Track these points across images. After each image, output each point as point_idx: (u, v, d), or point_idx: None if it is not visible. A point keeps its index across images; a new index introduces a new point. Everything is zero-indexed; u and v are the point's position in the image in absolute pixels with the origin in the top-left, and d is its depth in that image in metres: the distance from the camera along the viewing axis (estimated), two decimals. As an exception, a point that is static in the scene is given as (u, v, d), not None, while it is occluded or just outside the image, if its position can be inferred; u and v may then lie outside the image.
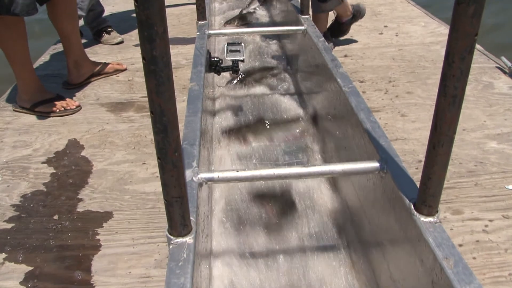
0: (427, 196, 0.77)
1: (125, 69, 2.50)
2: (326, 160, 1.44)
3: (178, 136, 0.67)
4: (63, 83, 2.37)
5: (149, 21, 0.56)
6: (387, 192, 0.92)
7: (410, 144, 1.71)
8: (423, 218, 0.79)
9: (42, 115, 2.10)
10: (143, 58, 0.59)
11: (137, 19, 0.57)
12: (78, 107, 2.14)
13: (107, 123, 2.02)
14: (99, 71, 2.41)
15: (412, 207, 0.81)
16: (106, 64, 2.44)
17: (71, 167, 1.71)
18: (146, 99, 2.23)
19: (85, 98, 2.26)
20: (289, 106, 1.85)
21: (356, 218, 1.15)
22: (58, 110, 2.09)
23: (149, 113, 2.21)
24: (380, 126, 1.06)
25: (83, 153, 1.80)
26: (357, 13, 2.62)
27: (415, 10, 3.25)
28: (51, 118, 2.08)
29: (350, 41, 2.74)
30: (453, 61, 0.62)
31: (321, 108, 1.55)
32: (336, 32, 2.65)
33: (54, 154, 1.81)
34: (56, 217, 1.46)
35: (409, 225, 0.81)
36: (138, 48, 2.83)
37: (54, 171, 1.70)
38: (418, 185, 0.80)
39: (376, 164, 0.93)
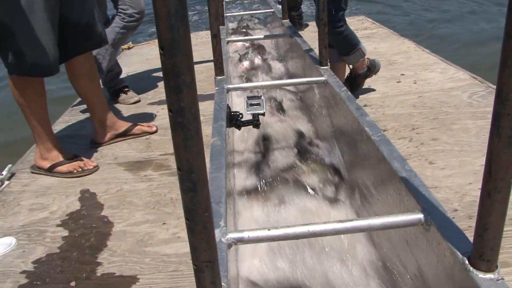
0: (484, 249, 0.70)
1: (155, 131, 2.47)
2: (360, 214, 1.37)
3: (208, 195, 0.62)
4: (90, 141, 2.40)
5: (176, 69, 0.53)
6: (433, 245, 0.85)
7: (442, 193, 1.64)
8: (481, 275, 0.71)
9: (60, 176, 2.09)
10: (169, 110, 0.56)
11: (163, 68, 0.54)
12: (96, 167, 2.12)
13: (125, 183, 1.99)
14: (126, 131, 2.41)
15: (467, 262, 0.73)
16: (134, 125, 2.45)
17: (89, 229, 1.67)
18: (165, 157, 2.26)
19: (102, 158, 2.26)
20: (316, 157, 1.80)
21: (397, 276, 1.06)
22: (75, 171, 2.08)
23: (168, 171, 2.17)
24: (417, 175, 1.00)
25: (101, 214, 1.76)
26: (372, 67, 2.64)
27: (430, 57, 3.27)
28: (68, 179, 2.07)
29: (369, 91, 2.74)
30: (507, 99, 0.57)
31: (350, 159, 1.50)
32: (352, 85, 2.67)
33: (71, 216, 1.77)
34: (73, 283, 1.39)
35: (465, 283, 0.73)
36: (155, 106, 2.86)
37: (71, 234, 1.65)
38: (468, 237, 0.73)
39: (418, 216, 0.86)
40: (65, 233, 1.66)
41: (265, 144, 1.98)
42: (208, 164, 1.19)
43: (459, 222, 1.43)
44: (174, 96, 0.54)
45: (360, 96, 2.66)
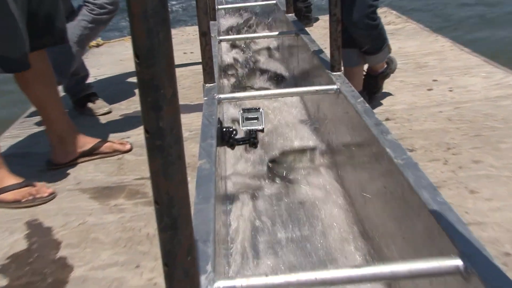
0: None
1: (129, 150, 2.48)
2: (381, 257, 1.37)
3: (192, 233, 0.63)
4: (46, 162, 2.39)
5: (154, 82, 0.55)
6: (474, 301, 0.85)
7: (489, 231, 1.63)
8: None
9: (4, 207, 2.08)
10: (146, 130, 0.57)
11: (138, 80, 0.55)
12: (52, 195, 2.12)
13: (89, 214, 1.99)
14: (93, 149, 2.42)
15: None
16: (103, 142, 2.45)
17: (38, 276, 1.65)
18: (140, 182, 2.27)
19: (61, 182, 2.26)
20: (325, 186, 1.81)
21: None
22: (24, 200, 2.07)
23: (144, 200, 2.17)
24: (453, 208, 1.01)
25: (56, 256, 1.75)
26: (390, 62, 2.71)
27: (471, 58, 3.30)
28: (15, 211, 2.06)
29: (392, 101, 2.77)
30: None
31: (367, 187, 1.50)
32: (373, 89, 2.70)
33: (16, 259, 1.75)
34: None
35: None
36: (129, 119, 2.88)
37: (14, 282, 1.63)
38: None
39: (455, 262, 0.87)
40: (5, 281, 1.64)
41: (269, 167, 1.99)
42: (193, 193, 1.20)
43: None
44: (152, 114, 0.55)
45: (381, 108, 2.69)
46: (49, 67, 2.23)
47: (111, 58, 4.28)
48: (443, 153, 2.16)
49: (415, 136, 2.33)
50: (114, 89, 3.42)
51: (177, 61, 3.86)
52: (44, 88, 2.23)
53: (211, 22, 3.00)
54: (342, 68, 1.95)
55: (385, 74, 2.69)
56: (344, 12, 2.00)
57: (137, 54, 0.53)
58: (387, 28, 4.17)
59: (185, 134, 2.61)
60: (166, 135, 0.56)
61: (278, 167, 2.00)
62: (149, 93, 0.54)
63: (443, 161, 2.10)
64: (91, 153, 2.42)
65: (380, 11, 4.76)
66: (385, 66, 2.68)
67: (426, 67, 3.23)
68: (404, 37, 3.94)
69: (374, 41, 2.53)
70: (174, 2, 10.08)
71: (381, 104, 2.73)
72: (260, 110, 1.71)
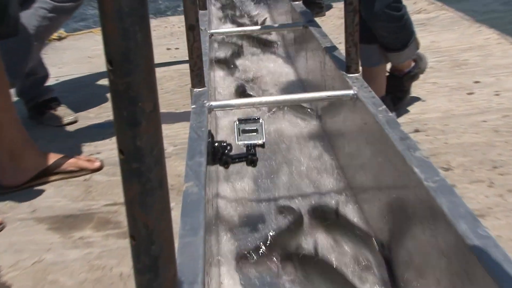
0: None
1: (99, 168, 2.49)
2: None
3: (176, 276, 0.64)
4: None
5: (130, 93, 0.56)
6: None
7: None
8: None
9: None
10: (120, 151, 0.59)
11: (112, 90, 0.57)
12: (0, 226, 2.12)
13: (47, 250, 1.99)
14: (53, 168, 2.42)
15: None
16: (66, 158, 2.46)
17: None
18: (113, 208, 2.27)
19: (12, 210, 2.26)
20: (341, 214, 1.81)
21: None
22: (-37, 234, 2.08)
23: (117, 231, 2.18)
24: (498, 244, 1.02)
25: (5, 303, 1.76)
26: (419, 61, 2.74)
27: (523, 54, 3.33)
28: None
29: (422, 107, 2.79)
30: None
31: (391, 216, 1.51)
32: (398, 93, 2.73)
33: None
34: None
35: None
36: (100, 130, 2.90)
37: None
38: None
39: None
40: None
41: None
42: (178, 222, 1.21)
43: None
44: (128, 131, 0.57)
45: (409, 116, 2.71)
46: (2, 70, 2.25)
47: (77, 54, 4.31)
48: (488, 172, 2.17)
49: (452, 151, 2.34)
50: (81, 93, 3.45)
51: (158, 59, 3.96)
52: None
53: (201, 12, 3.03)
54: (360, 68, 1.97)
55: (413, 75, 2.72)
56: (361, 1, 2.03)
57: (109, 60, 0.55)
58: (417, 17, 4.27)
59: (169, 149, 2.62)
60: (144, 157, 0.58)
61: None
62: (125, 106, 0.56)
63: (487, 183, 2.11)
64: (51, 172, 2.42)
65: (409, -4, 4.83)
66: (413, 64, 2.71)
67: (466, 66, 3.26)
68: (439, 28, 3.98)
69: (398, 35, 2.55)
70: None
71: (408, 111, 2.74)
72: (260, 120, 1.72)
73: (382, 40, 2.55)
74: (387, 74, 2.74)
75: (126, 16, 0.53)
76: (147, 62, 0.55)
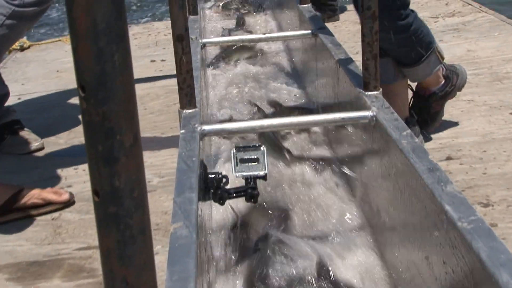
0: None
1: (69, 202, 2.50)
2: None
3: None
4: None
5: (106, 124, 0.56)
6: None
7: None
8: None
9: None
10: (95, 192, 0.59)
11: (84, 120, 0.57)
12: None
13: (7, 305, 1.99)
14: (13, 203, 2.42)
15: None
16: (26, 190, 2.45)
17: None
18: (87, 253, 2.26)
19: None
20: (361, 266, 1.81)
21: None
22: None
23: (92, 280, 2.17)
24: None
25: None
26: (452, 77, 2.72)
27: None
28: None
29: (455, 130, 2.79)
30: None
31: (418, 265, 1.51)
32: (425, 116, 2.73)
33: None
34: None
35: None
36: (71, 159, 2.89)
37: None
38: None
39: None
40: None
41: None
42: (164, 269, 1.20)
43: None
44: (104, 169, 0.57)
45: (439, 140, 2.70)
46: None
47: (43, 68, 4.32)
48: (536, 209, 2.18)
49: (492, 183, 2.34)
50: (49, 114, 3.45)
51: (141, 73, 4.00)
52: None
53: (191, 18, 3.05)
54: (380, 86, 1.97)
55: (443, 95, 2.70)
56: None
57: (82, 85, 0.55)
58: (450, 21, 4.30)
59: (154, 181, 2.63)
60: (123, 199, 0.58)
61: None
62: (100, 139, 0.56)
63: (535, 222, 2.11)
64: (10, 208, 2.42)
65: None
66: (442, 82, 2.70)
67: (509, 80, 3.27)
68: (476, 34, 3.99)
69: (408, 48, 2.55)
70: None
71: (439, 135, 2.74)
72: (262, 148, 1.73)
73: (391, 53, 2.57)
74: (413, 91, 2.76)
75: (102, 34, 0.54)
76: (127, 88, 0.56)
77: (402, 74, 2.65)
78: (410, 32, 2.52)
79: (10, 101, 3.17)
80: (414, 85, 2.79)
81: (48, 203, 2.46)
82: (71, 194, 2.51)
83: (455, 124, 2.83)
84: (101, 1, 0.53)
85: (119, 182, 0.57)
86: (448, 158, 2.55)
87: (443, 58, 2.66)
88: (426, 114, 2.72)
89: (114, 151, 0.57)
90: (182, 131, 1.80)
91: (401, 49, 2.57)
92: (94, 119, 0.56)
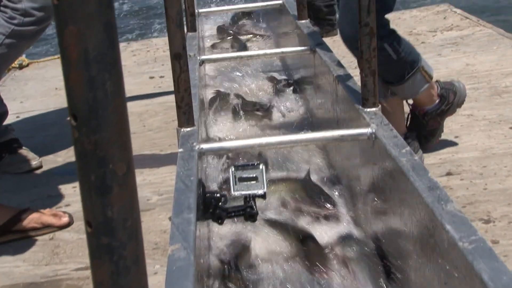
0: None
1: (67, 224, 2.49)
2: None
3: None
4: None
5: (99, 153, 0.56)
6: None
7: None
8: None
9: None
10: (87, 223, 0.59)
11: (76, 150, 0.57)
12: None
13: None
14: (12, 225, 2.42)
15: None
16: (27, 213, 2.45)
17: None
18: (84, 273, 2.25)
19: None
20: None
21: None
22: None
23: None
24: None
25: None
26: (448, 95, 2.70)
27: None
28: None
29: (455, 145, 2.79)
30: None
31: (417, 285, 1.49)
32: (421, 134, 2.72)
33: None
34: None
35: None
36: (70, 178, 2.88)
37: None
38: None
39: None
40: None
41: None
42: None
43: None
44: (97, 199, 0.56)
45: (439, 156, 2.70)
46: None
47: (41, 86, 4.33)
48: (538, 225, 2.17)
49: (493, 199, 2.34)
50: (47, 132, 3.46)
51: (140, 89, 4.01)
52: None
53: (190, 34, 3.05)
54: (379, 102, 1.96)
55: (439, 112, 2.70)
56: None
57: (73, 114, 0.55)
58: (448, 35, 4.30)
59: (153, 199, 2.63)
60: (117, 230, 0.57)
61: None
62: (92, 169, 0.55)
63: (537, 239, 2.10)
64: (9, 230, 2.41)
65: (438, 10, 4.87)
66: (437, 101, 2.69)
67: (508, 94, 3.27)
68: (474, 48, 4.00)
69: (388, 66, 2.53)
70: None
71: (438, 150, 2.74)
72: (260, 167, 1.73)
73: None
74: (410, 109, 2.76)
75: (93, 62, 0.53)
76: (119, 116, 0.55)
77: (392, 92, 2.65)
78: (387, 50, 2.50)
79: (8, 119, 3.17)
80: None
81: (47, 226, 2.46)
82: (70, 217, 2.51)
83: (454, 139, 2.83)
84: (93, 28, 0.53)
85: (112, 212, 0.57)
86: (448, 174, 2.55)
87: (431, 77, 2.63)
88: (423, 131, 2.72)
89: (107, 181, 0.56)
90: (180, 150, 1.79)
91: (381, 67, 2.52)
92: (86, 148, 0.55)
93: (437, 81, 2.74)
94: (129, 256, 0.58)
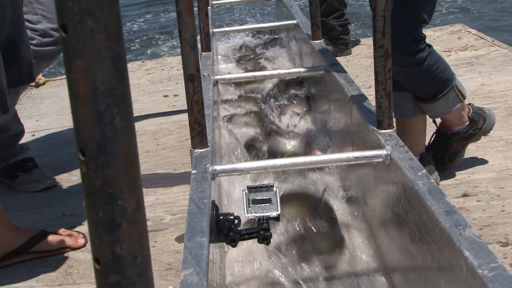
0: None
1: (83, 246, 2.49)
2: None
3: None
4: None
5: (108, 189, 0.55)
6: None
7: None
8: None
9: None
10: (96, 260, 0.58)
11: (84, 185, 0.56)
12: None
13: None
14: (28, 247, 2.41)
15: None
16: (43, 235, 2.44)
17: None
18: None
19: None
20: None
21: None
22: None
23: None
24: None
25: None
26: (478, 120, 2.69)
27: None
28: None
29: (471, 165, 2.77)
30: None
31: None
32: (443, 154, 2.71)
33: None
34: None
35: None
36: (83, 197, 2.88)
37: None
38: None
39: None
40: None
41: None
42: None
43: None
44: (105, 236, 0.55)
45: (455, 178, 2.68)
46: None
47: (57, 104, 4.35)
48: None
49: (511, 221, 2.31)
50: (62, 151, 3.47)
51: (155, 108, 4.02)
52: None
53: (204, 54, 3.05)
54: (395, 123, 1.95)
55: (466, 136, 2.69)
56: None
57: (81, 149, 0.54)
58: (463, 55, 4.28)
59: (166, 219, 2.62)
60: (126, 267, 0.56)
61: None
62: (100, 205, 0.55)
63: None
64: (25, 251, 2.41)
65: (453, 30, 4.86)
66: (467, 123, 2.68)
67: (525, 114, 3.25)
68: (489, 68, 3.98)
69: (423, 83, 2.54)
70: (148, 16, 10.41)
71: (454, 171, 2.72)
72: (274, 188, 1.72)
73: (407, 87, 2.56)
74: (437, 127, 2.74)
75: (102, 96, 0.52)
76: (128, 152, 0.54)
77: (421, 109, 2.63)
78: (424, 67, 2.49)
79: (24, 138, 3.20)
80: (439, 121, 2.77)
81: (63, 248, 2.46)
82: (85, 237, 2.50)
83: (471, 159, 2.81)
84: (101, 62, 0.52)
85: (121, 249, 0.56)
86: (465, 195, 2.52)
87: (464, 97, 2.63)
88: (445, 152, 2.70)
89: (116, 218, 0.55)
90: (194, 171, 1.79)
91: (416, 84, 2.56)
92: (95, 183, 0.55)
93: (469, 104, 2.73)
94: (138, 293, 0.57)
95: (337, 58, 2.83)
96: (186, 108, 1.92)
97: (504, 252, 2.13)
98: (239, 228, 1.70)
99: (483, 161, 2.79)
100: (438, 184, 2.41)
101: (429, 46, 2.54)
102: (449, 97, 2.58)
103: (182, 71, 1.85)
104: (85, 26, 0.50)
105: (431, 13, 2.52)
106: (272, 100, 3.27)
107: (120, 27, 0.52)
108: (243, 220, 1.76)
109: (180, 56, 1.87)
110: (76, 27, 0.50)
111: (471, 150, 2.84)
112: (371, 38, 1.92)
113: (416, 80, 2.55)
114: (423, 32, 2.51)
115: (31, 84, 4.59)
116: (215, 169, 1.82)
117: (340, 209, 2.27)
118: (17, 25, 2.27)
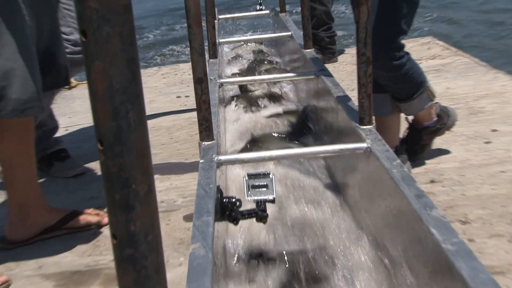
0: None
1: (108, 223, 2.48)
2: None
3: None
4: (0, 239, 2.37)
5: (122, 175, 0.54)
6: None
7: None
8: None
9: None
10: (113, 236, 0.56)
11: (103, 171, 0.55)
12: (5, 284, 2.10)
13: (53, 309, 1.96)
14: (61, 224, 2.41)
15: None
16: (75, 214, 2.45)
17: None
18: (119, 265, 2.23)
19: (18, 266, 2.24)
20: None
21: None
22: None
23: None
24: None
25: None
26: (444, 117, 2.71)
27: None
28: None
29: (438, 157, 2.76)
30: None
31: (405, 280, 1.46)
32: (414, 145, 2.71)
33: None
34: None
35: None
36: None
37: None
38: None
39: None
40: None
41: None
42: (184, 284, 1.17)
43: None
44: (120, 215, 0.54)
45: (424, 167, 2.68)
46: (31, 120, 2.26)
47: (87, 103, 4.19)
48: (508, 226, 2.12)
49: (470, 203, 2.31)
50: (91, 143, 3.44)
51: (169, 107, 4.00)
52: (19, 144, 2.25)
53: (211, 61, 3.04)
54: (374, 120, 1.94)
55: (433, 130, 2.70)
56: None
57: (100, 140, 0.52)
58: (432, 63, 4.27)
59: (178, 201, 2.62)
60: (139, 243, 0.55)
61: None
62: (117, 189, 0.54)
63: (508, 238, 2.05)
64: (59, 227, 2.40)
65: (423, 42, 4.85)
66: (435, 119, 2.69)
67: (483, 114, 3.23)
68: (454, 74, 3.97)
69: (402, 85, 2.55)
70: (164, 28, 10.39)
71: (423, 161, 2.72)
72: (270, 176, 1.70)
73: (387, 88, 2.56)
74: (409, 123, 2.74)
75: (117, 94, 0.51)
76: (141, 143, 0.53)
77: (398, 109, 2.63)
78: (403, 71, 2.50)
79: (59, 132, 3.20)
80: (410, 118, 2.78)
81: (91, 224, 2.46)
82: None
83: (437, 151, 2.80)
84: (117, 64, 0.50)
85: (135, 227, 0.55)
86: (432, 181, 2.52)
87: (434, 97, 2.65)
88: (416, 145, 2.70)
89: (130, 200, 0.54)
90: (201, 161, 1.78)
91: (396, 86, 2.56)
92: (112, 170, 0.54)
93: (437, 102, 2.73)
94: (150, 267, 0.56)
95: (325, 64, 2.82)
96: (195, 107, 1.91)
97: (464, 229, 2.13)
98: (240, 209, 1.69)
99: (448, 153, 2.79)
100: (410, 172, 2.40)
101: (407, 53, 2.54)
102: (422, 97, 2.58)
103: (192, 76, 1.85)
104: (102, 32, 0.49)
105: (410, 26, 2.52)
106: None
107: (134, 33, 0.51)
108: (243, 203, 1.76)
109: (190, 63, 1.87)
110: (95, 33, 0.49)
111: (438, 143, 2.83)
112: (355, 48, 1.91)
113: (396, 83, 2.55)
114: (402, 42, 2.51)
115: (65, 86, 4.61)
116: (220, 159, 1.81)
117: (326, 195, 2.27)
118: (55, 36, 2.25)
